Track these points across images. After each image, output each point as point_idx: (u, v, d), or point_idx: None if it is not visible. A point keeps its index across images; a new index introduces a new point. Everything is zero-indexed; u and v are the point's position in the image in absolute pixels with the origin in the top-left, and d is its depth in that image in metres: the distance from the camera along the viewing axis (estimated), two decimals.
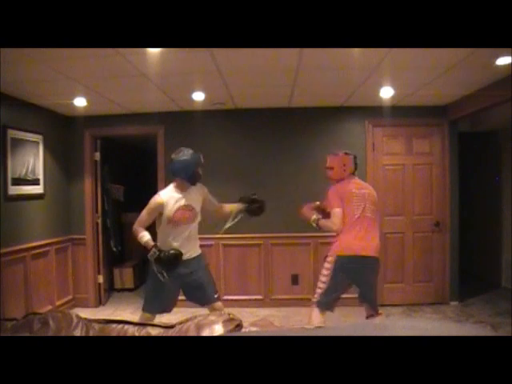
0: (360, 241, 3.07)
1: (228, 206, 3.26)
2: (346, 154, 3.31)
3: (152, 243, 2.87)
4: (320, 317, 3.14)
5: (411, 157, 4.81)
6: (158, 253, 2.82)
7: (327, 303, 3.15)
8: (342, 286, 3.15)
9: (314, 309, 3.17)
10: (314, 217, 3.26)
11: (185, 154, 2.98)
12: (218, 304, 3.07)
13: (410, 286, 4.81)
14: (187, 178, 2.98)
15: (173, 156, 3.01)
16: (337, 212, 3.10)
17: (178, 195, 2.97)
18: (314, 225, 3.27)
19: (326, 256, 3.20)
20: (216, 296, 3.08)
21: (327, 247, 4.75)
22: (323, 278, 3.14)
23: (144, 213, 2.94)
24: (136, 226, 2.95)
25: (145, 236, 2.89)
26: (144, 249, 2.97)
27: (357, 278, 3.14)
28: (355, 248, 3.05)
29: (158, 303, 3.02)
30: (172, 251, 2.84)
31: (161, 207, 2.92)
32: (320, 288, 3.15)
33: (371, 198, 3.21)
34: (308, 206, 3.42)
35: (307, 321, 3.24)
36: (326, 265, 3.14)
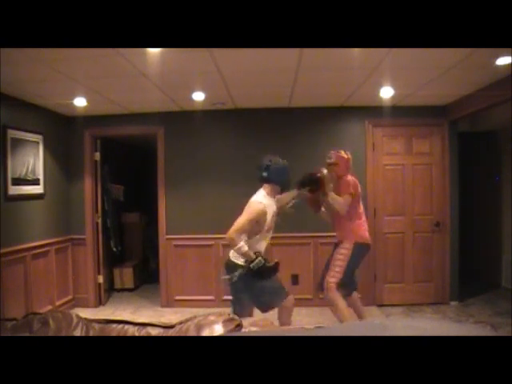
0: (367, 231, 3.51)
1: (282, 196, 3.23)
2: (347, 153, 3.58)
3: (253, 254, 2.89)
4: (342, 298, 3.37)
5: (411, 157, 4.81)
6: (263, 262, 2.87)
7: (350, 280, 3.43)
8: (355, 268, 3.50)
9: (335, 292, 3.35)
10: (331, 185, 3.36)
11: (280, 161, 3.08)
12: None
13: (410, 286, 4.81)
14: (281, 184, 3.07)
15: (268, 162, 3.05)
16: (349, 199, 3.35)
17: (271, 202, 3.04)
18: (328, 198, 3.31)
19: (340, 243, 3.47)
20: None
21: (327, 247, 4.79)
22: (340, 262, 3.38)
23: (245, 221, 2.89)
24: (235, 235, 2.86)
25: (244, 246, 2.87)
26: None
27: (361, 262, 3.56)
28: (366, 237, 3.47)
29: (248, 309, 3.08)
30: (275, 260, 3.00)
31: (264, 215, 2.94)
32: (337, 271, 3.37)
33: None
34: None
35: (333, 309, 3.42)
36: (343, 250, 3.40)
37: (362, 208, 3.53)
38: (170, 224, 4.93)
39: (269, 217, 2.98)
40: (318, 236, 4.81)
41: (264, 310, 3.06)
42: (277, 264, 3.01)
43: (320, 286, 3.53)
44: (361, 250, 3.44)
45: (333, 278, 3.37)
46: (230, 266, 3.04)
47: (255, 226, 2.95)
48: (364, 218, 3.54)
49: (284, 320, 3.21)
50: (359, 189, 3.47)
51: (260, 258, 2.87)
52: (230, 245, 2.93)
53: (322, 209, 3.56)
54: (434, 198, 4.81)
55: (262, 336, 1.10)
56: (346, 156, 3.53)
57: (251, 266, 2.86)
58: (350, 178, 3.46)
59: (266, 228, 3.00)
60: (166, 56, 2.92)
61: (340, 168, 3.49)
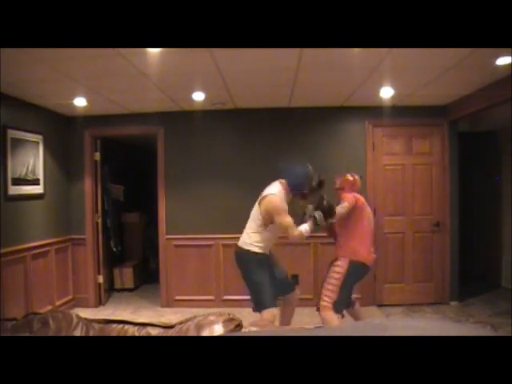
0: (369, 252, 3.39)
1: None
2: (353, 176, 3.55)
3: (311, 211, 3.08)
4: (336, 318, 3.24)
5: (411, 157, 4.81)
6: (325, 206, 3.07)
7: (345, 299, 3.30)
8: (352, 287, 3.39)
9: (328, 312, 3.25)
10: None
11: (310, 169, 3.13)
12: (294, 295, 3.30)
13: (410, 286, 4.81)
14: (296, 189, 3.11)
15: (288, 165, 3.17)
16: (346, 206, 3.30)
17: (283, 197, 3.10)
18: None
19: (335, 260, 3.38)
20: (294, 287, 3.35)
21: (327, 247, 4.80)
22: (334, 281, 3.27)
23: (286, 215, 3.00)
24: (295, 231, 2.97)
25: (303, 226, 3.02)
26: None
27: (358, 281, 3.48)
28: (364, 256, 3.33)
29: (273, 294, 3.10)
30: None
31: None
32: (330, 290, 3.27)
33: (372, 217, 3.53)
34: None
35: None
36: (337, 269, 3.30)
37: (367, 227, 3.40)
38: (170, 224, 4.93)
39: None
40: (318, 236, 4.80)
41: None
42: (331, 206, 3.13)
43: (317, 305, 3.40)
44: (356, 270, 3.29)
45: (326, 297, 3.26)
46: (241, 253, 3.13)
47: (269, 217, 3.03)
48: (369, 238, 3.40)
49: (286, 318, 3.21)
50: (360, 203, 3.37)
51: (318, 212, 3.03)
52: (300, 239, 3.09)
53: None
54: (434, 198, 4.81)
55: (262, 336, 1.10)
56: (351, 178, 3.51)
57: (317, 218, 3.02)
58: (347, 194, 3.42)
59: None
60: (165, 56, 2.92)
61: (345, 191, 3.48)
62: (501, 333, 3.71)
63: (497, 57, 3.01)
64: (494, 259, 5.60)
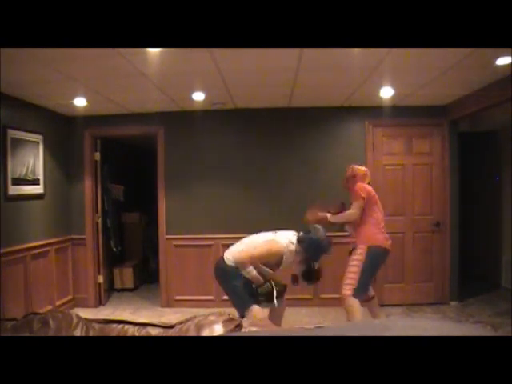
0: (385, 237, 3.45)
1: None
2: (365, 167, 3.66)
3: (262, 279, 3.06)
4: (358, 303, 3.32)
5: (411, 157, 4.81)
6: (271, 288, 3.01)
7: (365, 285, 3.36)
8: (374, 272, 3.50)
9: (350, 299, 3.30)
10: (329, 215, 3.51)
11: (322, 237, 3.09)
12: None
13: (409, 286, 4.81)
14: (309, 257, 3.08)
15: (312, 234, 3.09)
16: (360, 203, 3.39)
17: (293, 249, 3.12)
18: (333, 221, 3.50)
19: (353, 249, 3.45)
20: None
21: None
22: (354, 269, 3.34)
23: (260, 254, 3.05)
24: (246, 260, 3.02)
25: (252, 271, 3.01)
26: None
27: (379, 266, 3.55)
28: (381, 240, 3.40)
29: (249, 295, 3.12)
30: (283, 283, 3.18)
31: (280, 257, 3.12)
32: (350, 278, 3.34)
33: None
34: (312, 210, 3.62)
35: (349, 316, 3.36)
36: (356, 256, 3.37)
37: (381, 215, 3.52)
38: (170, 224, 4.93)
39: (285, 262, 3.11)
40: None
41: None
42: (284, 287, 3.12)
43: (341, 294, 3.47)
44: (376, 254, 3.37)
45: (347, 285, 3.34)
46: (221, 267, 3.12)
47: (270, 261, 3.08)
48: (383, 224, 3.50)
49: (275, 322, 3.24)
50: (373, 194, 3.48)
51: (268, 284, 2.97)
52: (239, 267, 3.00)
53: (328, 214, 3.58)
54: (434, 198, 4.81)
55: (262, 336, 1.10)
56: (364, 169, 3.60)
57: (259, 290, 2.96)
58: (359, 184, 3.49)
59: (279, 269, 3.16)
60: (165, 56, 2.92)
61: (357, 180, 3.53)
62: (501, 333, 3.71)
63: (497, 57, 3.01)
64: (493, 259, 5.60)
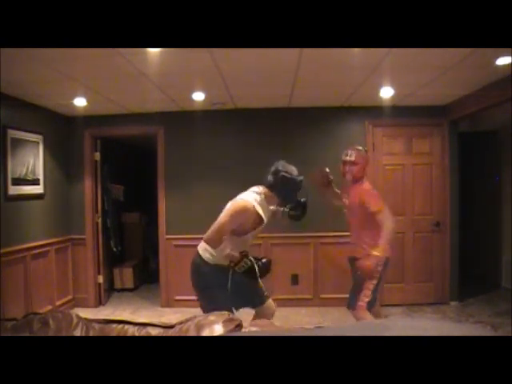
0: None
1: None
2: (366, 152, 3.25)
3: (237, 254, 2.72)
4: (370, 315, 3.07)
5: (411, 157, 4.81)
6: (249, 263, 2.69)
7: (375, 299, 3.12)
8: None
9: (364, 311, 3.06)
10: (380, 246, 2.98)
11: (293, 173, 2.74)
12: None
13: (409, 286, 4.81)
14: (282, 198, 2.76)
15: (279, 167, 2.74)
16: (387, 211, 2.98)
17: (263, 204, 2.77)
18: (383, 245, 2.98)
19: (369, 259, 3.02)
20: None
21: (327, 247, 4.80)
22: (375, 281, 3.05)
23: (226, 221, 2.71)
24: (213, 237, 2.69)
25: (225, 249, 2.67)
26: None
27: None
28: (389, 249, 3.06)
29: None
30: (266, 258, 2.83)
31: (252, 215, 2.76)
32: (369, 289, 3.06)
33: None
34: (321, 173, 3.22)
35: None
36: (378, 268, 3.02)
37: None
38: (170, 224, 4.93)
39: (264, 216, 2.74)
40: (317, 236, 4.82)
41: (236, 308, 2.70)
42: (268, 262, 2.76)
43: (350, 304, 3.20)
44: (387, 266, 3.14)
45: (365, 298, 3.07)
46: (196, 263, 2.77)
47: (246, 225, 2.70)
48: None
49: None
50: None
51: (246, 260, 2.63)
52: (210, 246, 2.66)
53: (345, 200, 3.23)
54: (434, 198, 4.81)
55: (262, 336, 1.10)
56: (366, 155, 3.20)
57: (236, 268, 2.63)
58: (369, 186, 3.13)
59: (263, 226, 2.81)
60: (165, 56, 2.92)
61: (358, 169, 3.11)
62: (501, 333, 3.71)
63: (497, 57, 3.01)
64: (493, 259, 5.60)
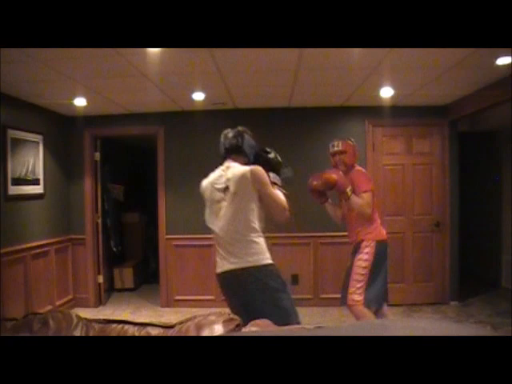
0: (383, 227, 3.08)
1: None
2: (352, 141, 3.24)
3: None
4: (369, 313, 2.85)
5: (411, 157, 4.81)
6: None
7: (376, 296, 2.89)
8: (385, 272, 2.96)
9: (360, 307, 2.85)
10: (350, 187, 2.94)
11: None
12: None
13: (409, 286, 4.81)
14: (250, 158, 2.52)
15: (240, 129, 2.63)
16: (370, 195, 2.94)
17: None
18: (349, 194, 2.92)
19: (359, 246, 2.97)
20: None
21: (327, 247, 4.80)
22: (362, 270, 2.87)
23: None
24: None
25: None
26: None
27: (387, 263, 3.04)
28: (384, 233, 3.03)
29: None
30: None
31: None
32: (360, 281, 2.86)
33: None
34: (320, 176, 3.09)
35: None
36: (365, 255, 2.90)
37: (376, 202, 3.18)
38: (170, 224, 4.93)
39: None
40: (317, 236, 4.82)
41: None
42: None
43: (342, 300, 3.02)
44: (384, 250, 2.96)
45: (356, 291, 2.85)
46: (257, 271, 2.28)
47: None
48: (377, 212, 3.12)
49: None
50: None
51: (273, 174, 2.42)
52: (286, 215, 2.34)
53: (329, 200, 3.19)
54: (434, 198, 4.81)
55: (262, 336, 1.10)
56: (353, 144, 3.17)
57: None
58: (363, 169, 3.13)
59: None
60: (165, 56, 2.92)
61: (348, 157, 3.08)
62: (501, 333, 3.71)
63: (497, 57, 3.01)
64: (493, 259, 5.60)
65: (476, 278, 5.69)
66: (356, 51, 2.85)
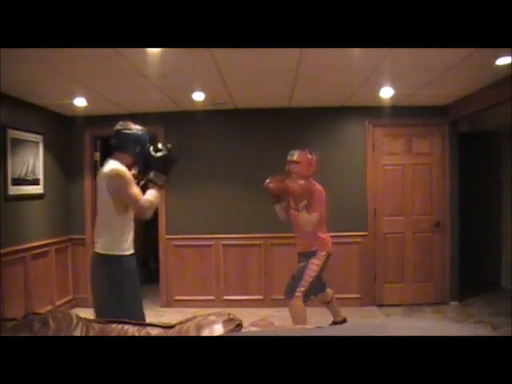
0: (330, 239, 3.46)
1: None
2: (311, 154, 3.42)
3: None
4: (304, 308, 3.31)
5: (411, 157, 4.81)
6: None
7: (311, 291, 3.40)
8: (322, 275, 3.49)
9: (299, 302, 3.30)
10: (305, 203, 3.29)
11: (134, 127, 2.60)
12: None
13: (409, 286, 4.81)
14: (134, 155, 2.58)
15: (118, 127, 2.60)
16: (318, 217, 3.27)
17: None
18: (301, 206, 3.30)
19: (313, 253, 3.35)
20: None
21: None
22: (312, 273, 3.32)
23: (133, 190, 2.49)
24: (146, 204, 2.51)
25: (147, 193, 2.53)
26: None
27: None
28: (331, 245, 3.42)
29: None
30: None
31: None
32: (307, 281, 3.31)
33: None
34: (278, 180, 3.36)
35: (295, 319, 3.33)
36: (317, 262, 3.33)
37: (325, 216, 3.44)
38: (170, 224, 4.93)
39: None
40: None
41: None
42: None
43: (288, 294, 3.38)
44: (328, 260, 3.42)
45: (301, 288, 3.31)
46: (96, 261, 2.55)
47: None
48: (324, 226, 3.45)
49: None
50: (323, 194, 3.37)
51: (153, 172, 2.53)
52: (147, 215, 2.55)
53: (278, 206, 3.49)
54: (434, 198, 4.81)
55: (262, 336, 1.10)
56: (309, 156, 3.36)
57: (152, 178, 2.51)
58: (319, 188, 3.34)
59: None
60: (165, 56, 2.92)
61: (301, 168, 3.32)
62: (501, 333, 3.71)
63: (497, 57, 3.01)
64: (494, 259, 5.60)
65: (476, 278, 5.69)
66: (356, 51, 2.84)
